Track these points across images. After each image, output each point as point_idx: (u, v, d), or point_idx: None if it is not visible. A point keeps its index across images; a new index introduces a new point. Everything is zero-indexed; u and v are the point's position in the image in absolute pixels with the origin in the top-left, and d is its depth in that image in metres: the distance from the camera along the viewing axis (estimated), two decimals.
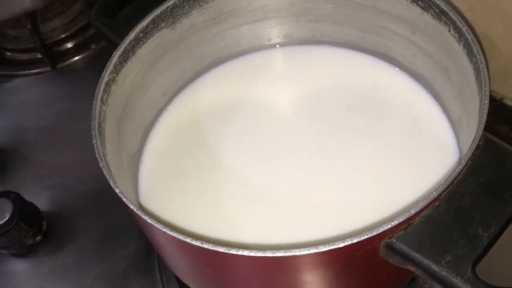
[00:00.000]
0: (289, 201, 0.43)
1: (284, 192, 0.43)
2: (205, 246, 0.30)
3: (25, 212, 0.53)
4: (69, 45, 0.73)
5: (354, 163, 0.45)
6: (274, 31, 0.52)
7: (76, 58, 0.72)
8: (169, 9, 0.45)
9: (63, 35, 0.74)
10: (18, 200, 0.53)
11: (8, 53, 0.74)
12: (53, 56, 0.71)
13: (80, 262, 0.54)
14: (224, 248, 0.30)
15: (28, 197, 0.55)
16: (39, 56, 0.70)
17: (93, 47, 0.72)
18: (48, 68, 0.71)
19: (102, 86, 0.40)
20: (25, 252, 0.55)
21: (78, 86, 0.69)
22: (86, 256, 0.55)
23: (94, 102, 0.39)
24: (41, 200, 0.58)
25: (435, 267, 0.29)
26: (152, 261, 0.53)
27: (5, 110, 0.68)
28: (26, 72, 0.71)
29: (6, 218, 0.51)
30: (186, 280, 0.42)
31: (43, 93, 0.70)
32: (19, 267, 0.55)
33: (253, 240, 0.41)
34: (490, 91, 0.52)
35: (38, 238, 0.55)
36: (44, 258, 0.55)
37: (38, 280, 0.54)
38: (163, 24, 0.45)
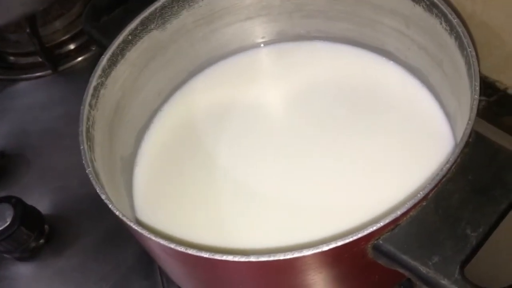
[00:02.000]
0: (286, 203, 0.42)
1: (280, 194, 0.43)
2: (190, 252, 0.30)
3: (26, 216, 0.53)
4: (70, 47, 0.74)
5: (351, 161, 0.44)
6: (267, 28, 0.51)
7: (77, 60, 0.72)
8: (158, 10, 0.44)
9: (64, 38, 0.74)
10: (19, 205, 0.53)
11: (11, 58, 0.75)
12: (54, 59, 0.71)
13: (82, 265, 0.55)
14: (208, 254, 0.30)
15: (31, 200, 0.56)
16: (41, 59, 0.71)
17: (93, 48, 0.72)
18: (50, 71, 0.71)
19: (90, 91, 0.40)
20: (28, 256, 0.55)
21: (79, 88, 0.68)
22: (88, 258, 0.55)
23: (81, 107, 0.38)
24: (43, 204, 0.58)
25: (422, 269, 0.29)
26: (153, 263, 0.53)
27: (9, 114, 0.69)
28: (29, 76, 0.72)
29: (7, 223, 0.52)
30: (179, 282, 0.42)
31: (45, 96, 0.70)
32: (23, 271, 0.55)
33: (249, 244, 0.40)
34: (495, 82, 0.51)
35: (41, 241, 0.56)
36: (47, 261, 0.56)
37: (41, 283, 0.54)
38: (152, 26, 0.45)
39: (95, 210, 0.57)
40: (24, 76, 0.72)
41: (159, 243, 0.31)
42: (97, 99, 0.40)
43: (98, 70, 0.41)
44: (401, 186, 0.41)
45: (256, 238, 0.40)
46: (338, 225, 0.38)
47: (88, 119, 0.38)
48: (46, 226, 0.56)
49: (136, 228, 0.32)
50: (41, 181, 0.61)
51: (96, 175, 0.35)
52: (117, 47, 0.42)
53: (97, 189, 0.34)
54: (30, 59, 0.73)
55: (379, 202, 0.40)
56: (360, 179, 0.42)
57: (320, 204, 0.41)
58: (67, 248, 0.56)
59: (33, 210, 0.56)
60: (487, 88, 0.50)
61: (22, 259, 0.55)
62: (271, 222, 0.41)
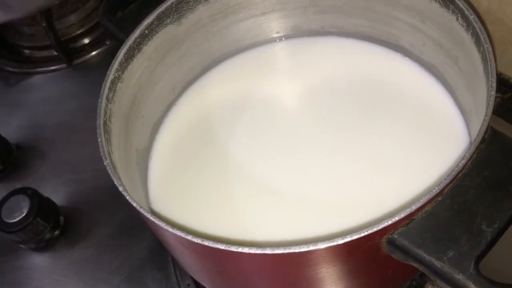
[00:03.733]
0: (300, 197, 0.42)
1: (294, 188, 0.43)
2: (206, 243, 0.30)
3: (42, 207, 0.54)
4: (85, 41, 0.74)
5: (366, 156, 0.44)
6: (282, 24, 0.51)
7: (92, 54, 0.73)
8: (174, 5, 0.45)
9: (79, 31, 0.74)
10: (35, 196, 0.54)
11: (26, 51, 0.75)
12: (69, 52, 0.72)
13: (96, 256, 0.55)
14: (224, 246, 0.30)
15: (46, 192, 0.56)
16: (56, 53, 0.71)
17: (108, 43, 0.72)
18: (65, 65, 0.72)
19: (108, 84, 0.40)
20: (43, 246, 0.56)
21: (93, 82, 0.69)
22: (102, 250, 0.56)
23: (99, 100, 0.39)
24: (58, 195, 0.59)
25: (437, 264, 0.29)
26: (166, 254, 0.53)
27: (24, 108, 0.69)
28: (44, 69, 0.72)
29: (24, 214, 0.52)
30: (193, 274, 0.42)
31: (60, 89, 0.71)
32: (38, 261, 0.56)
33: (263, 237, 0.40)
34: (510, 78, 0.51)
35: (56, 232, 0.56)
36: (62, 252, 0.56)
37: (56, 273, 0.55)
38: (168, 20, 0.45)
39: (108, 202, 0.58)
40: (39, 69, 0.72)
41: (175, 235, 0.31)
42: (114, 93, 0.41)
43: (115, 64, 0.41)
44: (415, 181, 0.41)
45: (269, 231, 0.41)
46: (351, 219, 0.38)
47: (105, 112, 0.39)
48: (61, 218, 0.57)
49: (153, 219, 0.32)
50: (55, 173, 0.62)
51: (114, 167, 0.36)
52: (134, 41, 0.43)
53: (114, 180, 0.35)
54: (45, 53, 0.74)
55: (393, 197, 0.40)
56: (374, 174, 0.42)
57: (334, 199, 0.41)
58: (82, 240, 0.57)
59: (48, 202, 0.56)
60: (502, 85, 0.50)
61: (37, 249, 0.56)
62: (285, 216, 0.41)
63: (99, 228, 0.57)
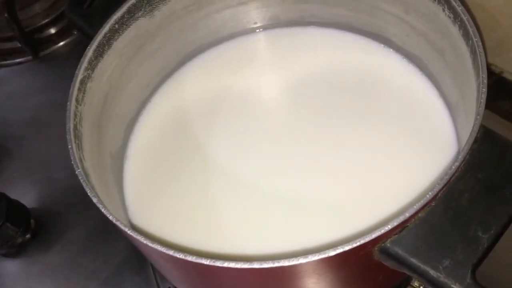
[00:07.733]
0: (284, 200, 0.40)
1: (278, 190, 0.41)
2: (189, 258, 0.29)
3: (11, 211, 0.52)
4: (51, 31, 0.71)
5: (348, 155, 0.42)
6: (260, 14, 0.49)
7: (59, 45, 0.69)
8: None
9: (44, 21, 0.71)
10: (2, 199, 0.52)
11: None
12: (34, 44, 0.68)
13: (72, 260, 0.53)
14: (208, 261, 0.28)
15: (15, 193, 0.54)
16: (20, 45, 0.68)
17: (75, 33, 0.69)
18: (30, 57, 0.68)
19: (77, 84, 0.37)
20: (14, 251, 0.54)
21: (61, 74, 0.67)
22: (77, 253, 0.54)
23: (68, 103, 0.36)
24: (28, 197, 0.57)
25: (432, 273, 0.28)
26: (145, 257, 0.51)
27: None
28: (8, 62, 0.69)
29: None
30: (175, 284, 0.40)
31: (26, 83, 0.68)
32: (10, 267, 0.54)
33: (247, 247, 0.39)
34: (490, 65, 0.50)
35: (27, 236, 0.54)
36: (35, 256, 0.54)
37: (29, 280, 0.53)
38: (140, 13, 0.42)
39: (82, 202, 0.54)
40: (3, 62, 0.69)
41: (155, 249, 0.30)
42: (84, 93, 0.38)
43: (84, 62, 0.38)
44: (402, 180, 0.40)
45: (255, 241, 0.39)
46: (341, 224, 0.37)
47: (75, 115, 0.36)
48: (32, 221, 0.55)
49: (131, 233, 0.30)
50: (24, 173, 0.60)
51: (86, 176, 0.34)
52: (103, 37, 0.40)
53: (87, 191, 0.33)
54: (8, 45, 0.70)
55: (379, 199, 0.39)
56: (360, 174, 0.41)
57: (320, 202, 0.40)
58: (55, 243, 0.55)
59: (18, 205, 0.54)
60: None
61: (8, 255, 0.54)
62: (271, 221, 0.39)
63: (73, 230, 0.55)
